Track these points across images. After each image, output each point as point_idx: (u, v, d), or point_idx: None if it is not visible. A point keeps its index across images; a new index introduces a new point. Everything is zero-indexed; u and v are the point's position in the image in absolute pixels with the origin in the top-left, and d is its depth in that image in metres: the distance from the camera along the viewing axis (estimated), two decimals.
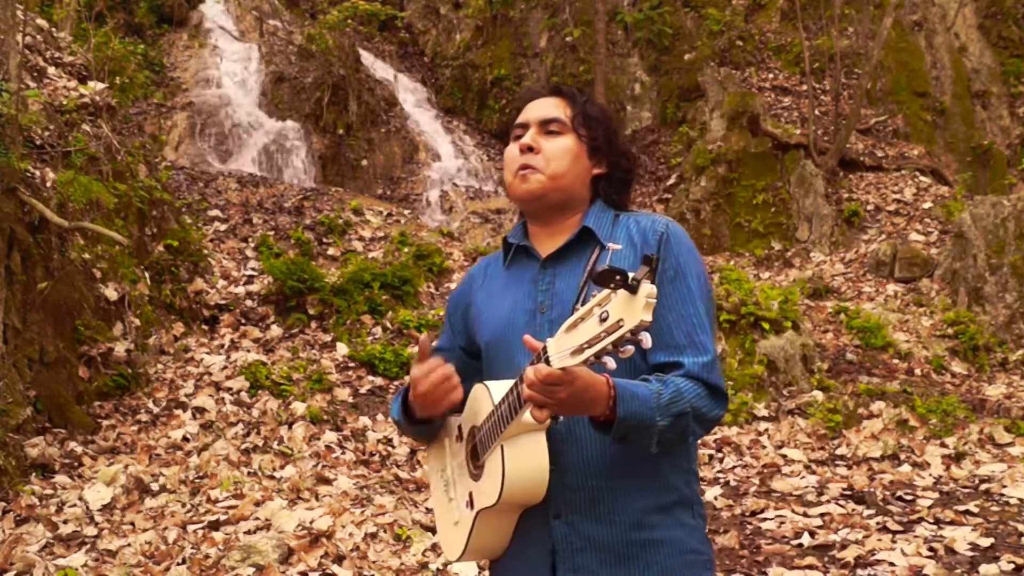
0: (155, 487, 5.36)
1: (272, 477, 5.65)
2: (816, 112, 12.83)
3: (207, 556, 4.54)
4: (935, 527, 4.96)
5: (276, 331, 7.82)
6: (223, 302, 8.01)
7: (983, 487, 5.63)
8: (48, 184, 6.28)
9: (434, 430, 2.00)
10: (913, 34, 14.09)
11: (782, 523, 5.15)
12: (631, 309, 1.37)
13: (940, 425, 6.77)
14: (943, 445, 6.39)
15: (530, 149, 1.88)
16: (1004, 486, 5.57)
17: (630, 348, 1.40)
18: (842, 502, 5.45)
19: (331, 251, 9.57)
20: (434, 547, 4.69)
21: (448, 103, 15.29)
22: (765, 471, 6.20)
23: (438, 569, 4.48)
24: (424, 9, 16.27)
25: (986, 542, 4.64)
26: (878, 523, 5.03)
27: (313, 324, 8.00)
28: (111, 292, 6.62)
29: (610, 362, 1.43)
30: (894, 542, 4.75)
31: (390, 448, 6.39)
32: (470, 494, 1.83)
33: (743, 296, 7.84)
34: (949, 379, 8.29)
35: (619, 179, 1.94)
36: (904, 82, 13.63)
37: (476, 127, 14.86)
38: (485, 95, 14.96)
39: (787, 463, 6.34)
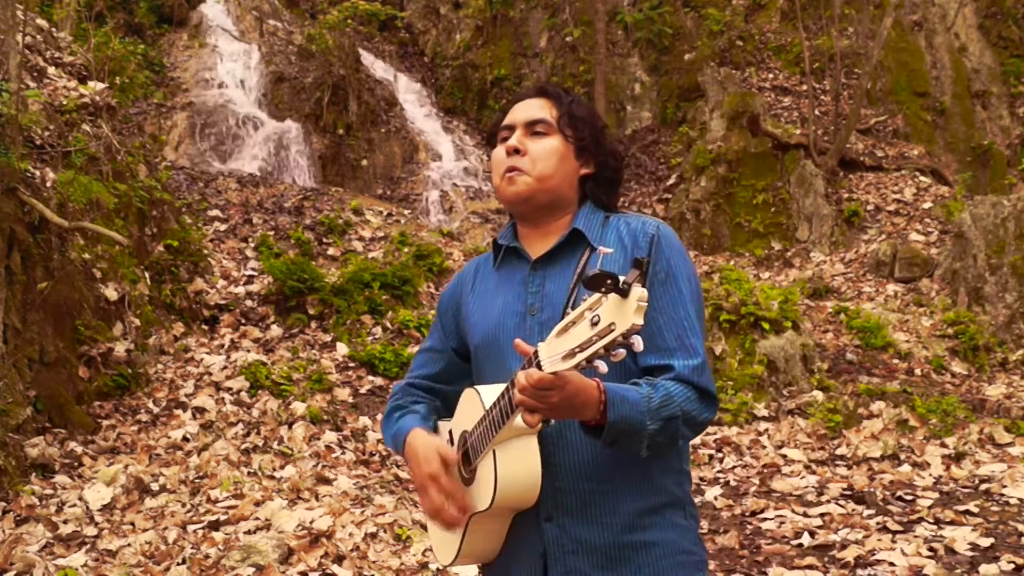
0: (155, 487, 5.36)
1: (272, 477, 5.65)
2: (816, 112, 12.83)
3: (207, 556, 4.54)
4: (935, 527, 4.96)
5: (276, 331, 7.82)
6: (223, 302, 8.01)
7: (983, 487, 5.63)
8: (48, 184, 6.28)
9: None
10: (913, 34, 14.09)
11: (782, 523, 5.15)
12: (622, 313, 1.36)
13: (940, 425, 6.77)
14: (943, 445, 6.39)
15: (516, 151, 1.87)
16: (1004, 486, 5.57)
17: (622, 352, 1.40)
18: (842, 502, 5.45)
19: (331, 251, 9.57)
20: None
21: (448, 103, 15.30)
22: (765, 471, 6.20)
23: (438, 569, 4.48)
24: (424, 9, 16.27)
25: (986, 542, 4.64)
26: (878, 523, 5.03)
27: (313, 324, 8.00)
28: (111, 292, 6.62)
29: (602, 366, 1.42)
30: (894, 542, 4.75)
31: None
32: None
33: (743, 296, 7.84)
34: (949, 379, 8.29)
35: (607, 179, 1.93)
36: (904, 82, 13.63)
37: (476, 127, 14.86)
38: (485, 95, 14.97)
39: (787, 463, 6.34)
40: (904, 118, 13.37)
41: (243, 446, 6.03)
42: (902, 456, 6.29)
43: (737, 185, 11.90)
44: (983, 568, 4.36)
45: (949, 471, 5.96)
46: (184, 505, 5.18)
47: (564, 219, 1.91)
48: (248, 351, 7.39)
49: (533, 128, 1.89)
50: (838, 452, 6.51)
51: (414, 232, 10.22)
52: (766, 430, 6.95)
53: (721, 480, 6.12)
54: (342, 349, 7.60)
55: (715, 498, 5.69)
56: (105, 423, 6.05)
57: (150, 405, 6.39)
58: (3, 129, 5.90)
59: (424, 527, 4.98)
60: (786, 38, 14.22)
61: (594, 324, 1.40)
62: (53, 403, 5.80)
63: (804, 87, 13.21)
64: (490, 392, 1.74)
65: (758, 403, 7.27)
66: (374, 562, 4.58)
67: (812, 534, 4.93)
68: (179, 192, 10.06)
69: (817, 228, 11.42)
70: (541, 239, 1.91)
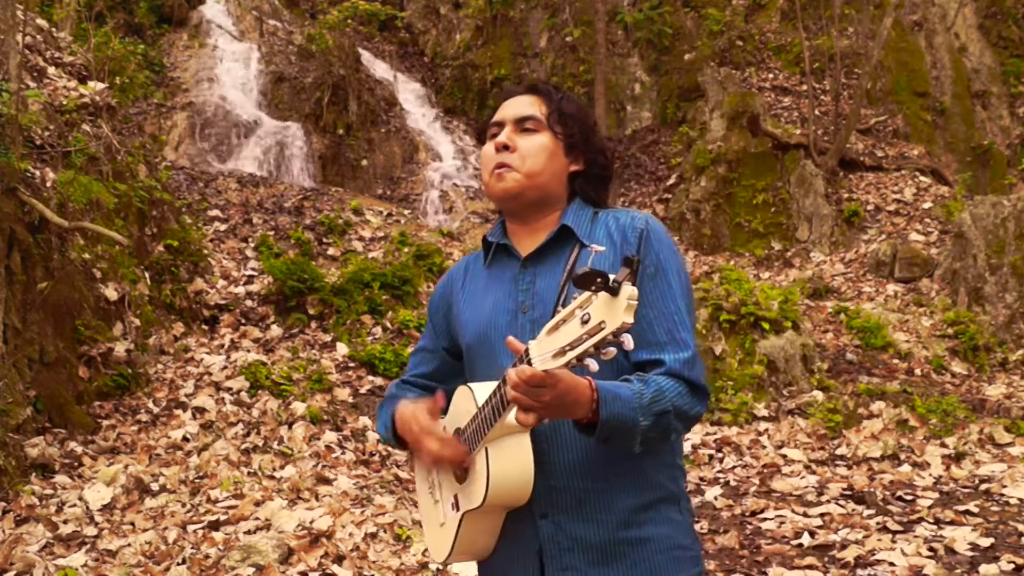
0: (155, 487, 5.36)
1: (272, 477, 5.65)
2: (816, 112, 12.83)
3: (207, 556, 4.54)
4: (935, 527, 4.96)
5: (276, 331, 7.82)
6: (223, 302, 8.01)
7: (983, 487, 5.63)
8: (48, 184, 6.28)
9: None
10: (913, 34, 14.09)
11: (782, 523, 5.15)
12: (612, 311, 1.36)
13: (940, 425, 6.77)
14: (943, 445, 6.39)
15: (505, 147, 1.87)
16: (1004, 486, 5.57)
17: (612, 350, 1.40)
18: (842, 502, 5.45)
19: (331, 251, 9.57)
20: None
21: (448, 103, 15.30)
22: (765, 471, 6.20)
23: (438, 569, 4.48)
24: (424, 9, 16.27)
25: (986, 542, 4.64)
26: (878, 523, 5.03)
27: (313, 324, 8.00)
28: (111, 292, 6.62)
29: (592, 364, 1.42)
30: (894, 542, 4.75)
31: (390, 448, 6.39)
32: (455, 496, 1.83)
33: (743, 296, 7.84)
34: (949, 379, 8.29)
35: (596, 176, 1.93)
36: (904, 82, 13.63)
37: (476, 127, 14.84)
38: (485, 95, 14.97)
39: (787, 463, 6.34)
40: (904, 118, 13.37)
41: (243, 446, 6.03)
42: (902, 456, 6.29)
43: (737, 185, 11.90)
44: (983, 568, 4.36)
45: (949, 471, 5.96)
46: (184, 505, 5.18)
47: (553, 216, 1.90)
48: (248, 351, 7.39)
49: (523, 125, 1.89)
50: (838, 452, 6.51)
51: (414, 232, 10.22)
52: (766, 430, 6.95)
53: (721, 480, 6.12)
54: (342, 349, 7.60)
55: (715, 498, 5.69)
56: (105, 423, 6.05)
57: (150, 405, 6.39)
58: (3, 129, 5.90)
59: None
60: (786, 38, 14.22)
61: (584, 322, 1.40)
62: (53, 403, 5.80)
63: (804, 87, 13.21)
64: (483, 390, 1.74)
65: (758, 403, 7.28)
66: (374, 562, 4.58)
67: (812, 534, 4.93)
68: (179, 192, 10.06)
69: (817, 228, 11.42)
70: (530, 236, 1.90)
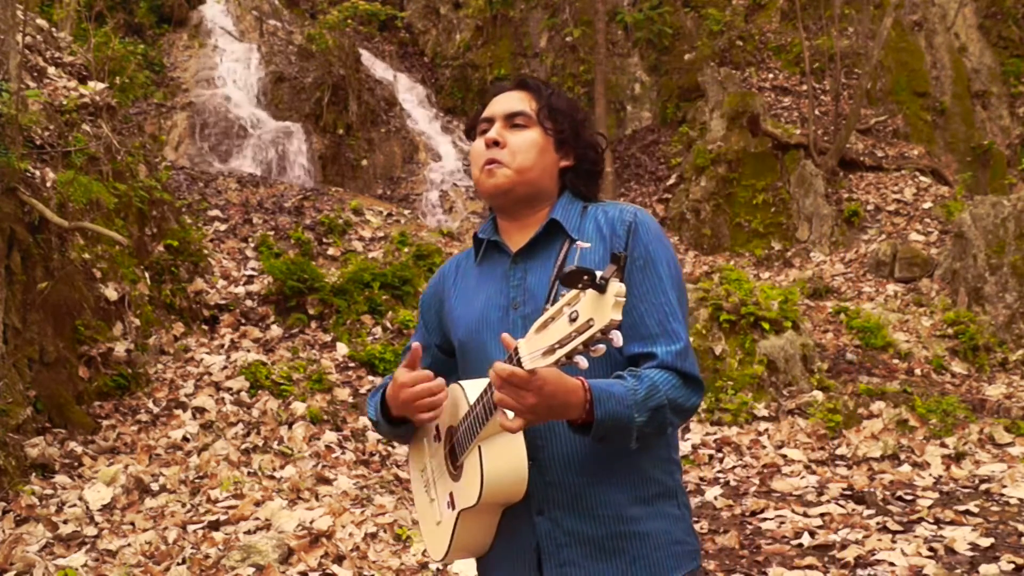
0: (155, 487, 5.37)
1: (272, 477, 5.66)
2: (816, 112, 12.83)
3: (207, 556, 4.54)
4: (935, 527, 4.96)
5: (276, 331, 7.82)
6: (223, 302, 8.01)
7: (983, 487, 5.63)
8: (48, 184, 6.28)
9: (411, 431, 1.99)
10: (913, 34, 14.09)
11: (782, 523, 5.15)
12: (600, 309, 1.36)
13: (940, 425, 6.77)
14: (943, 445, 6.39)
15: (495, 143, 1.87)
16: (1004, 486, 5.57)
17: (601, 347, 1.39)
18: (842, 502, 5.45)
19: (331, 251, 9.57)
20: None
21: (448, 103, 15.30)
22: (765, 471, 6.20)
23: (438, 569, 4.48)
24: (424, 9, 16.27)
25: (986, 542, 4.64)
26: (878, 523, 5.03)
27: (313, 324, 8.00)
28: (111, 292, 6.62)
29: (582, 362, 1.42)
30: (894, 542, 4.74)
31: (390, 448, 6.39)
32: (450, 494, 1.83)
33: (743, 296, 7.84)
34: (949, 379, 8.29)
35: (587, 171, 1.92)
36: (904, 82, 13.63)
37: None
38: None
39: (787, 463, 6.34)
40: (904, 118, 13.37)
41: (243, 446, 6.03)
42: (902, 456, 6.29)
43: (737, 185, 11.90)
44: (983, 568, 4.36)
45: (949, 471, 5.96)
46: (184, 505, 5.18)
47: (543, 211, 1.90)
48: (248, 351, 7.39)
49: (512, 120, 1.88)
50: (838, 452, 6.51)
51: (414, 232, 10.22)
52: (766, 430, 6.95)
53: (721, 480, 6.12)
54: (342, 349, 7.60)
55: (715, 498, 5.69)
56: (105, 423, 6.05)
57: (150, 405, 6.39)
58: (3, 129, 5.90)
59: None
60: (786, 38, 14.22)
61: (572, 320, 1.39)
62: (53, 403, 5.80)
63: (804, 87, 13.21)
64: (474, 387, 1.73)
65: (758, 403, 7.28)
66: (374, 562, 4.58)
67: (812, 534, 4.93)
68: (179, 192, 10.06)
69: (817, 228, 11.42)
70: (521, 232, 1.90)
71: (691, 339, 7.09)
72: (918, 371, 8.32)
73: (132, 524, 4.95)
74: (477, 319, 1.88)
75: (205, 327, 7.76)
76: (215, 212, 9.94)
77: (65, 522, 4.87)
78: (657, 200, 12.80)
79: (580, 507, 1.76)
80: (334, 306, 8.06)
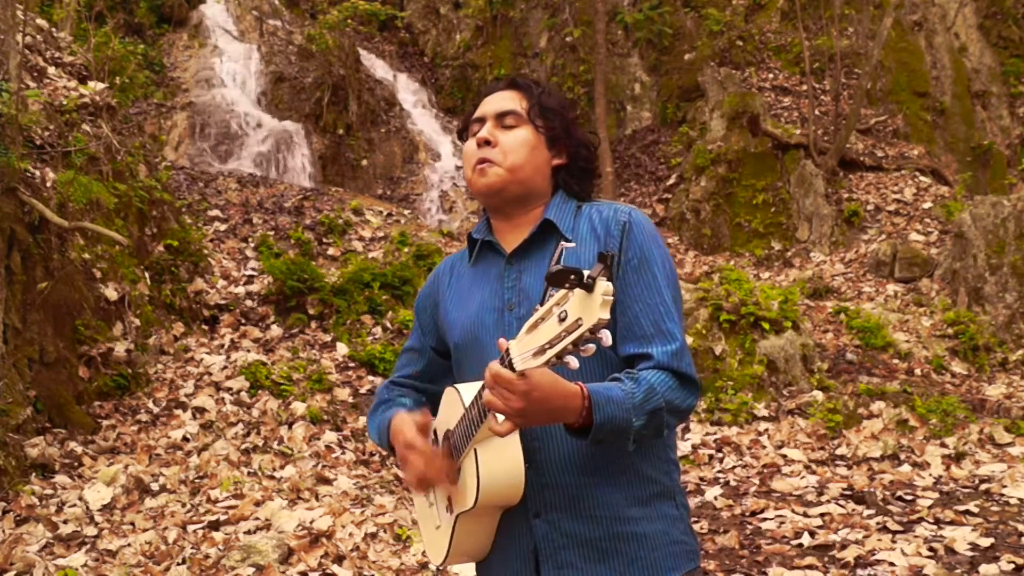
0: (155, 487, 5.37)
1: (272, 477, 5.66)
2: (816, 112, 12.83)
3: (207, 556, 4.54)
4: (935, 527, 4.96)
5: (276, 331, 7.82)
6: (223, 302, 8.01)
7: (983, 487, 5.63)
8: (48, 184, 6.28)
9: None
10: (913, 34, 14.09)
11: (782, 523, 5.15)
12: (588, 308, 1.35)
13: (940, 425, 6.77)
14: (943, 445, 6.39)
15: (487, 143, 1.86)
16: (1004, 486, 5.57)
17: (591, 347, 1.39)
18: (842, 502, 5.45)
19: (331, 251, 9.57)
20: None
21: (448, 103, 15.30)
22: (765, 471, 6.20)
23: (437, 569, 4.48)
24: (424, 9, 16.27)
25: (986, 542, 4.64)
26: (878, 523, 5.03)
27: (313, 324, 8.00)
28: (111, 292, 6.62)
29: (572, 362, 1.41)
30: (894, 542, 4.75)
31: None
32: (448, 498, 1.82)
33: (743, 296, 7.84)
34: (949, 379, 8.29)
35: (580, 169, 1.91)
36: (904, 82, 13.63)
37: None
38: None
39: (787, 463, 6.34)
40: (904, 118, 13.37)
41: (243, 446, 6.03)
42: (902, 456, 6.29)
43: (737, 185, 11.90)
44: (983, 568, 4.36)
45: (949, 471, 5.96)
46: (184, 505, 5.18)
47: (537, 210, 1.89)
48: (248, 351, 7.39)
49: (503, 120, 1.88)
50: (838, 452, 6.51)
51: (414, 232, 10.22)
52: (766, 430, 6.95)
53: (721, 480, 6.12)
54: (342, 349, 7.60)
55: (715, 498, 5.69)
56: (105, 423, 6.05)
57: (150, 405, 6.39)
58: (3, 129, 5.90)
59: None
60: (786, 38, 14.22)
61: (562, 320, 1.39)
62: (53, 403, 5.80)
63: (804, 87, 13.21)
64: (469, 390, 1.73)
65: (758, 403, 7.28)
66: (374, 562, 4.58)
67: (812, 534, 4.93)
68: (179, 192, 10.06)
69: (817, 228, 11.42)
70: (515, 232, 1.89)
71: (691, 339, 7.09)
72: (918, 371, 8.32)
73: (132, 524, 4.95)
74: (472, 321, 1.87)
75: (205, 327, 7.76)
76: (215, 212, 9.94)
77: (65, 522, 4.87)
78: (657, 200, 12.80)
79: (577, 509, 1.75)
80: (334, 306, 8.06)
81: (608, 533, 1.75)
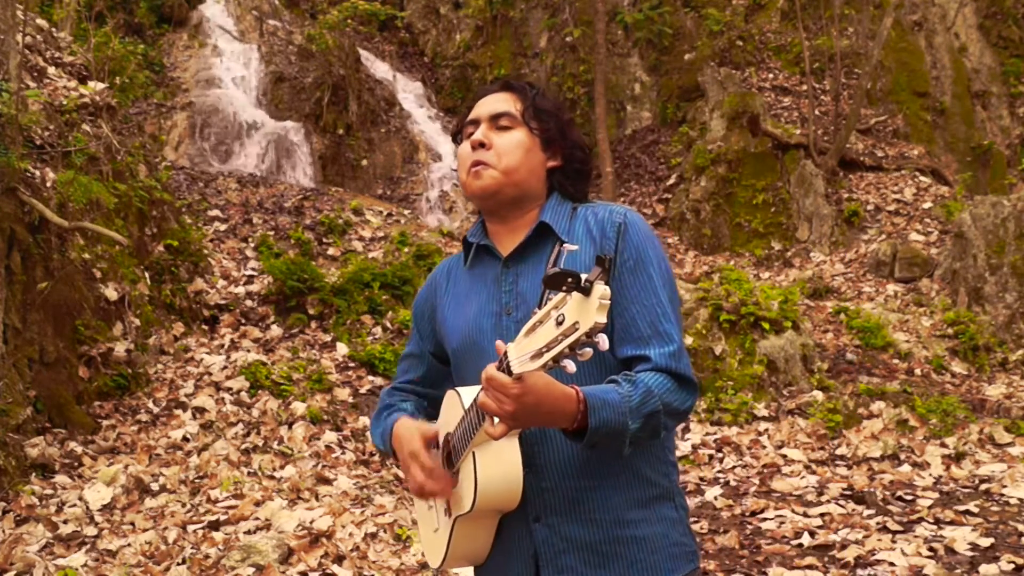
0: (155, 487, 5.37)
1: (272, 477, 5.66)
2: (816, 112, 12.83)
3: (207, 556, 4.54)
4: (935, 527, 4.96)
5: (276, 331, 7.82)
6: (223, 302, 8.01)
7: (983, 487, 5.63)
8: (48, 184, 6.28)
9: None
10: (913, 34, 14.09)
11: (782, 523, 5.15)
12: (585, 312, 1.35)
13: (940, 425, 6.77)
14: (943, 445, 6.39)
15: (482, 145, 1.85)
16: (1004, 486, 5.57)
17: (588, 351, 1.38)
18: (842, 502, 5.45)
19: (331, 251, 9.57)
20: None
21: (448, 103, 15.30)
22: (765, 471, 6.20)
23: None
24: (424, 9, 16.27)
25: (986, 542, 4.64)
26: (878, 523, 5.03)
27: (313, 324, 8.00)
28: (111, 292, 6.62)
29: (570, 365, 1.41)
30: (894, 542, 4.75)
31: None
32: (447, 501, 1.82)
33: (743, 296, 7.84)
34: (949, 379, 8.29)
35: (575, 171, 1.91)
36: (904, 82, 13.63)
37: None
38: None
39: (787, 463, 6.34)
40: (904, 118, 13.37)
41: (243, 446, 6.03)
42: (902, 456, 6.29)
43: (737, 185, 11.90)
44: (983, 568, 4.36)
45: (949, 471, 5.96)
46: (184, 505, 5.18)
47: (532, 213, 1.88)
48: (248, 351, 7.39)
49: (498, 122, 1.87)
50: (838, 452, 6.51)
51: (414, 232, 10.22)
52: (766, 430, 6.95)
53: (721, 480, 6.12)
54: (342, 349, 7.60)
55: (715, 498, 5.69)
56: (105, 423, 6.05)
57: (150, 405, 6.39)
58: (3, 129, 5.90)
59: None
60: (786, 38, 14.22)
61: (559, 323, 1.39)
62: (53, 403, 5.80)
63: (804, 87, 13.21)
64: (469, 394, 1.72)
65: (758, 403, 7.28)
66: (374, 562, 4.58)
67: (812, 534, 4.93)
68: (179, 192, 10.06)
69: (817, 228, 11.42)
70: (511, 235, 1.88)
71: (691, 339, 7.07)
72: (918, 371, 8.32)
73: (132, 524, 4.95)
74: (470, 326, 1.86)
75: (205, 327, 7.76)
76: (215, 212, 9.94)
77: (65, 522, 4.87)
78: (657, 200, 12.80)
79: (577, 512, 1.75)
80: (334, 306, 8.06)
81: (608, 537, 1.74)
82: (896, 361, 8.48)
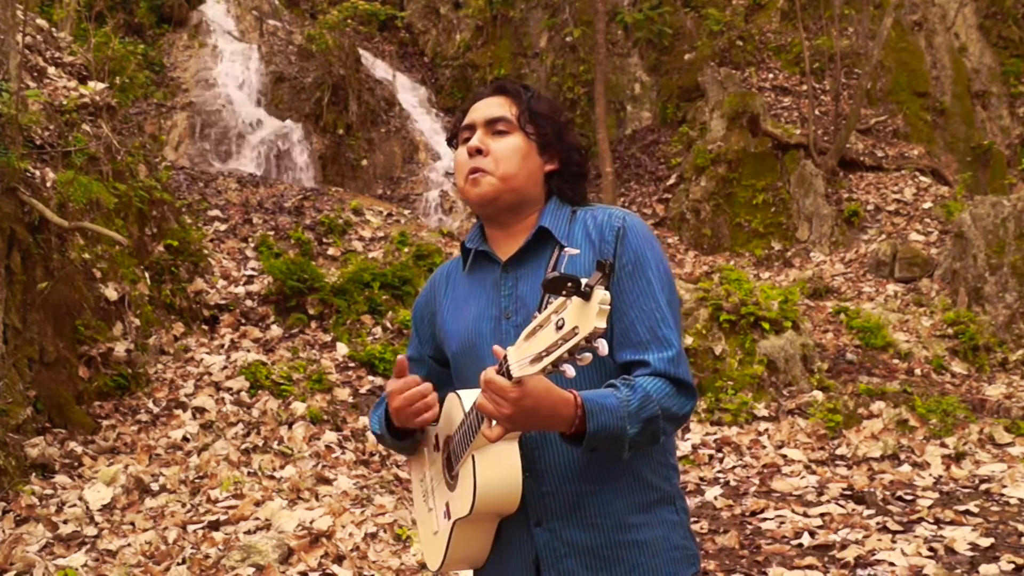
0: (155, 487, 5.37)
1: (272, 477, 5.66)
2: (816, 112, 12.83)
3: (207, 556, 4.54)
4: (935, 527, 4.96)
5: (276, 331, 7.82)
6: (223, 302, 8.01)
7: (983, 487, 5.63)
8: (48, 184, 6.28)
9: (415, 443, 1.97)
10: (913, 34, 14.09)
11: (782, 523, 5.15)
12: (585, 316, 1.35)
13: (940, 425, 6.77)
14: (943, 445, 6.39)
15: (479, 151, 1.84)
16: (1004, 486, 5.57)
17: (588, 356, 1.38)
18: (842, 502, 5.45)
19: (331, 251, 9.57)
20: None
21: (448, 103, 15.29)
22: (765, 471, 6.20)
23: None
24: (424, 9, 16.27)
25: (986, 542, 4.64)
26: (878, 523, 5.03)
27: (313, 324, 8.00)
28: (111, 292, 6.62)
29: (569, 370, 1.41)
30: (894, 542, 4.75)
31: (385, 447, 6.38)
32: (447, 504, 1.82)
33: (743, 296, 7.84)
34: (949, 379, 8.29)
35: (572, 174, 1.90)
36: (904, 82, 13.63)
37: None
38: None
39: (787, 463, 6.34)
40: (904, 118, 13.37)
41: (243, 446, 6.03)
42: (902, 456, 6.29)
43: (737, 185, 11.90)
44: (983, 568, 4.36)
45: (949, 471, 5.96)
46: (184, 505, 5.18)
47: (531, 218, 1.87)
48: (248, 351, 7.39)
49: (494, 127, 1.86)
50: (838, 452, 6.51)
51: (414, 232, 10.21)
52: (766, 430, 6.95)
53: (721, 480, 6.12)
54: (342, 349, 7.60)
55: (715, 498, 5.69)
56: (105, 423, 6.05)
57: (150, 405, 6.39)
58: (3, 129, 5.90)
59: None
60: (786, 38, 14.22)
61: (559, 328, 1.39)
62: (53, 403, 5.80)
63: (804, 87, 13.21)
64: (469, 396, 1.72)
65: (758, 403, 7.28)
66: (374, 562, 4.58)
67: (812, 534, 4.93)
68: (179, 192, 10.06)
69: (817, 228, 11.42)
70: (509, 240, 1.87)
71: (691, 339, 7.06)
72: (918, 371, 8.32)
73: (132, 524, 4.95)
74: (470, 331, 1.86)
75: (205, 327, 7.76)
76: (215, 212, 9.94)
77: (65, 522, 4.87)
78: (657, 200, 12.80)
79: (579, 516, 1.74)
80: (334, 306, 8.06)
81: (609, 541, 1.74)
82: (896, 361, 8.48)
